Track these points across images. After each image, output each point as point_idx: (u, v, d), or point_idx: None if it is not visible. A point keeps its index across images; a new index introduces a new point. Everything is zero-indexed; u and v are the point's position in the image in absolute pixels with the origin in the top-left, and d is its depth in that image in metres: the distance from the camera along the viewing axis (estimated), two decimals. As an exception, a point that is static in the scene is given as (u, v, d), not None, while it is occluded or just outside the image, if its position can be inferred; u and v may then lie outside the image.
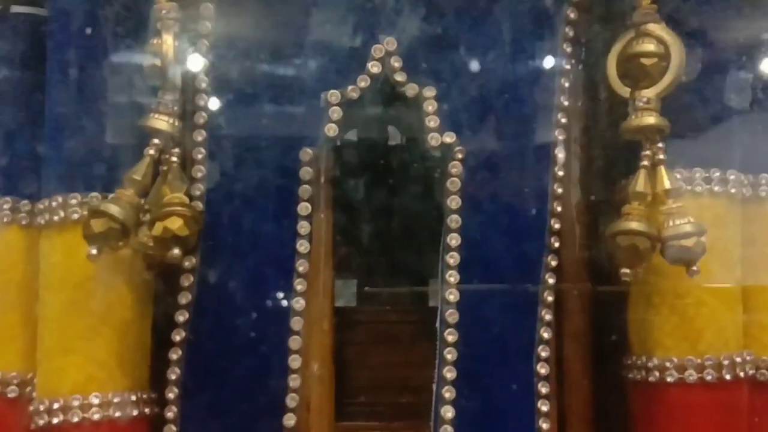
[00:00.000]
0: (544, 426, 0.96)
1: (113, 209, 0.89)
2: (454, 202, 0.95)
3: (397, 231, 1.09)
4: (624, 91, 0.96)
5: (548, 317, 0.97)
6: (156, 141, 0.93)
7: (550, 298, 0.97)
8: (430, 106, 0.95)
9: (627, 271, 0.92)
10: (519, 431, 0.96)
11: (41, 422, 0.95)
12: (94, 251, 0.90)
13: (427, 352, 1.02)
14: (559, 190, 0.98)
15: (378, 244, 1.11)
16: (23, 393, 1.02)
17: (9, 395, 1.02)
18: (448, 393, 0.94)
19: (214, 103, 0.97)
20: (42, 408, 0.95)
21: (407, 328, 1.10)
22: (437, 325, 0.96)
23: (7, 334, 1.04)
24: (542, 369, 0.97)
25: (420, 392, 1.02)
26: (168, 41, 0.92)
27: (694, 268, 0.93)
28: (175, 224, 0.89)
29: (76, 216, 0.96)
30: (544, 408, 0.96)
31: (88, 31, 0.98)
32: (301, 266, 0.95)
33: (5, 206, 1.04)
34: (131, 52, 0.97)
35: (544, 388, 0.96)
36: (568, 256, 1.01)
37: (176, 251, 0.90)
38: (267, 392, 0.94)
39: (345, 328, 1.04)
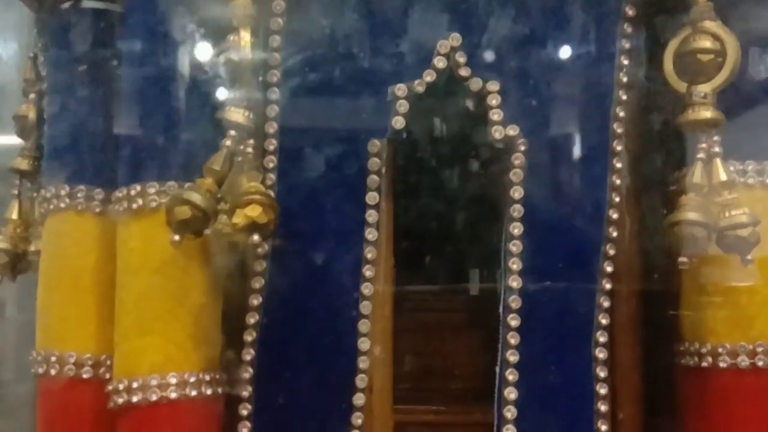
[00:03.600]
0: (602, 408, 1.01)
1: (195, 197, 0.94)
2: (517, 192, 1.00)
3: (459, 222, 1.14)
4: (681, 86, 0.99)
5: (606, 304, 1.02)
6: (233, 133, 0.97)
7: (608, 286, 1.02)
8: (494, 100, 1.00)
9: (684, 259, 0.97)
10: (578, 413, 1.01)
11: (120, 401, 1.00)
12: (177, 237, 0.94)
13: (478, 339, 1.07)
14: (617, 181, 1.03)
15: (439, 234, 1.16)
16: (97, 374, 1.07)
17: (83, 376, 1.07)
18: (512, 375, 0.99)
19: (285, 97, 1.02)
20: (121, 387, 1.00)
21: (461, 316, 1.15)
22: (500, 310, 1.01)
23: (81, 317, 1.09)
24: (600, 353, 1.02)
25: (471, 378, 1.07)
26: (245, 37, 0.97)
27: (748, 257, 0.97)
28: (255, 212, 0.94)
29: (153, 204, 1.00)
30: (603, 391, 1.01)
31: (164, 26, 1.03)
32: (370, 253, 1.00)
33: (79, 194, 1.09)
34: (207, 47, 1.02)
35: (602, 372, 1.01)
36: (624, 245, 1.06)
37: (256, 237, 0.94)
38: (338, 373, 1.00)
39: (401, 315, 1.08)
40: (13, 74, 1.32)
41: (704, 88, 0.98)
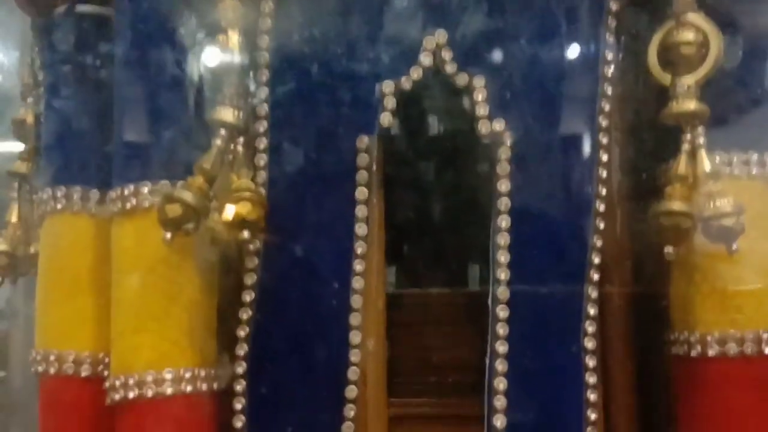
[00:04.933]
0: (592, 397, 1.03)
1: (186, 195, 0.96)
2: (503, 185, 1.02)
3: (447, 216, 1.16)
4: (665, 78, 1.01)
5: (594, 294, 1.03)
6: (223, 131, 0.99)
7: (596, 276, 1.04)
8: (480, 95, 1.01)
9: (670, 249, 0.98)
10: (567, 402, 1.03)
11: (117, 397, 1.01)
12: (168, 235, 0.97)
13: (471, 333, 1.08)
14: (604, 174, 1.05)
15: (428, 229, 1.17)
16: (95, 372, 1.10)
17: (82, 374, 1.10)
18: (501, 366, 1.01)
19: (275, 95, 1.04)
20: (118, 383, 1.01)
21: (453, 310, 1.16)
22: (489, 302, 1.02)
23: (79, 316, 1.11)
24: (589, 343, 1.03)
25: (466, 371, 1.09)
26: (233, 37, 0.99)
27: (734, 246, 0.98)
28: (245, 208, 0.96)
29: (146, 203, 1.02)
30: (592, 380, 1.03)
31: (154, 28, 1.05)
32: (360, 248, 1.02)
33: (75, 195, 1.12)
34: (197, 48, 1.04)
35: (591, 362, 1.03)
36: (611, 237, 1.07)
37: (245, 234, 0.97)
38: (330, 366, 1.01)
39: (394, 310, 1.10)
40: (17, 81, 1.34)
41: (688, 80, 1.00)
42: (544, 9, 1.03)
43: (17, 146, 1.24)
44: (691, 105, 0.99)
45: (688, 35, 0.99)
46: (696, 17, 1.00)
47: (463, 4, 1.03)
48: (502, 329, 1.01)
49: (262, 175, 1.03)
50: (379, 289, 1.06)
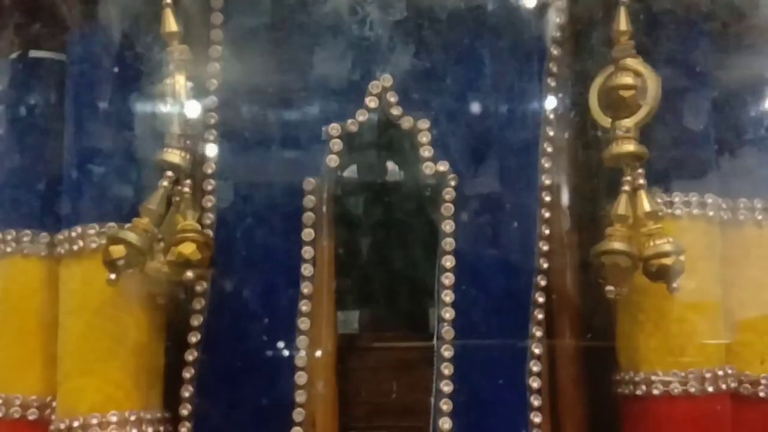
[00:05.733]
0: None
1: (131, 236, 0.96)
2: (448, 226, 1.03)
3: (396, 257, 1.17)
4: (605, 121, 1.03)
5: (539, 334, 1.04)
6: (169, 173, 1.00)
7: (540, 316, 1.05)
8: (425, 138, 1.03)
9: (611, 288, 1.00)
10: None
11: (61, 440, 1.01)
12: (113, 276, 0.97)
13: (426, 377, 1.09)
14: (547, 214, 1.06)
15: (378, 270, 1.18)
16: (43, 415, 1.09)
17: (29, 417, 1.09)
18: (446, 406, 1.01)
19: (222, 137, 1.05)
20: (63, 426, 1.01)
21: (408, 354, 1.16)
22: (434, 341, 1.03)
23: (27, 359, 1.11)
24: (534, 383, 1.04)
25: (420, 415, 1.09)
26: (180, 81, 1.01)
27: (674, 285, 1.00)
28: (189, 249, 0.97)
29: (93, 245, 1.03)
30: (537, 420, 1.03)
31: (105, 73, 1.07)
32: (306, 288, 1.03)
33: (25, 238, 1.12)
34: (145, 92, 1.05)
35: (536, 401, 1.04)
36: (555, 276, 1.09)
37: (189, 274, 0.97)
38: (275, 407, 1.01)
39: (348, 354, 1.10)
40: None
41: (627, 123, 1.02)
42: (486, 55, 1.06)
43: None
44: (630, 147, 1.01)
45: (627, 79, 1.02)
46: (634, 62, 1.03)
47: (408, 50, 1.05)
48: (446, 369, 1.02)
49: (210, 217, 1.04)
50: (328, 331, 1.06)
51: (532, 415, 1.03)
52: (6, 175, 1.15)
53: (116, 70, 1.05)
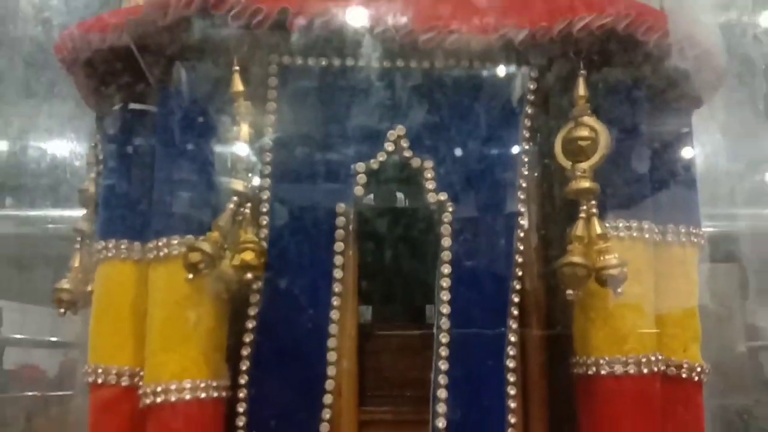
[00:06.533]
0: (512, 405, 1.05)
1: (205, 246, 0.99)
2: (446, 241, 1.06)
3: (405, 264, 1.19)
4: (567, 164, 1.06)
5: (515, 326, 1.07)
6: (235, 198, 1.03)
7: (515, 312, 1.07)
8: (429, 174, 1.06)
9: (571, 292, 1.02)
10: (494, 409, 1.05)
11: (148, 401, 1.03)
12: (190, 276, 1.00)
13: (423, 356, 1.10)
14: (521, 234, 1.08)
15: (391, 275, 1.21)
16: (133, 383, 1.11)
17: (123, 384, 1.11)
18: (443, 380, 1.03)
19: (275, 171, 1.08)
20: (149, 390, 1.03)
21: (413, 340, 1.18)
22: (434, 330, 1.05)
23: (122, 339, 1.13)
24: (510, 363, 1.06)
25: (418, 386, 1.10)
26: (244, 128, 1.04)
27: (619, 290, 1.03)
28: (249, 256, 1.00)
29: (176, 252, 1.05)
30: (512, 392, 1.05)
31: (187, 122, 1.09)
32: (337, 288, 1.05)
33: (122, 247, 1.14)
34: (217, 136, 1.08)
35: (511, 377, 1.06)
36: (529, 284, 1.11)
37: (249, 275, 1.00)
38: (311, 378, 1.04)
39: (367, 339, 1.13)
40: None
41: (584, 166, 1.05)
42: (477, 111, 1.09)
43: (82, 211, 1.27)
44: (586, 184, 1.04)
45: (584, 132, 1.05)
46: (589, 119, 1.06)
47: (422, 108, 1.08)
48: (444, 352, 1.04)
49: (264, 232, 1.06)
50: (352, 321, 1.09)
51: (508, 388, 1.05)
52: (110, 199, 1.17)
53: (197, 119, 1.08)
